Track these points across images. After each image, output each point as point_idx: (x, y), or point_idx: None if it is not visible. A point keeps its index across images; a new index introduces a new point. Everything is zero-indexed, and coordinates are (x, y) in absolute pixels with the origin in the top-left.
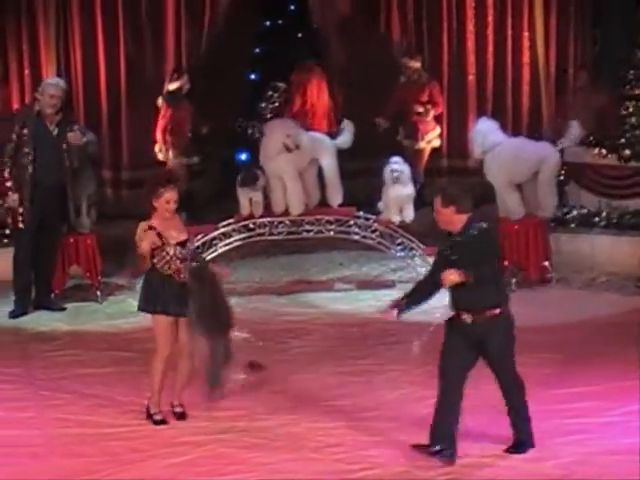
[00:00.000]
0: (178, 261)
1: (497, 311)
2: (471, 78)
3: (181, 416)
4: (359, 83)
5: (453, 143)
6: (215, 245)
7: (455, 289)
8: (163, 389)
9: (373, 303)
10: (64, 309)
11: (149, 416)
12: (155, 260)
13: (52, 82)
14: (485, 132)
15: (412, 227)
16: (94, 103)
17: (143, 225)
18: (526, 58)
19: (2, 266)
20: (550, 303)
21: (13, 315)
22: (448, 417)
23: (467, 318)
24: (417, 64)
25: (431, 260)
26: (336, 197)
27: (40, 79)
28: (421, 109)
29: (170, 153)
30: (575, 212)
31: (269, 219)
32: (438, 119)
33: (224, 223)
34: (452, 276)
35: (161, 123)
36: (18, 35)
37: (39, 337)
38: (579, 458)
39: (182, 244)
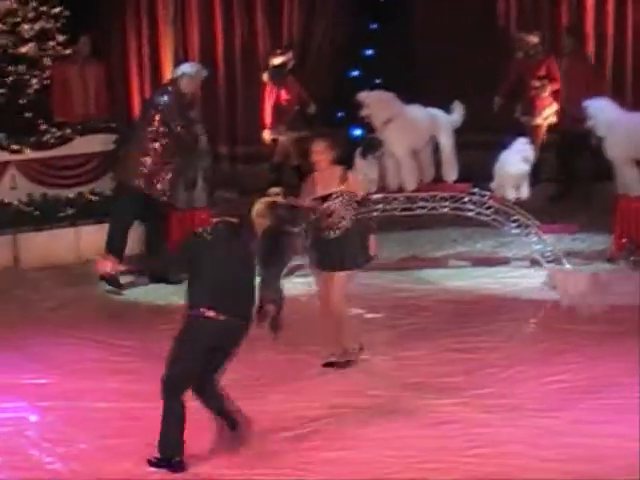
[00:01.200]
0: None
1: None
2: (590, 53)
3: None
4: (474, 57)
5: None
6: None
7: None
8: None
9: (487, 280)
10: (180, 282)
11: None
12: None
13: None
14: (602, 109)
15: (527, 204)
16: (211, 80)
17: None
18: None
19: None
20: None
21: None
22: None
23: None
24: (535, 39)
25: (548, 238)
26: (451, 173)
27: (159, 58)
28: (538, 84)
29: (279, 129)
30: None
31: (384, 195)
32: (555, 95)
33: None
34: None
35: (267, 100)
36: (137, 14)
37: (154, 311)
38: None
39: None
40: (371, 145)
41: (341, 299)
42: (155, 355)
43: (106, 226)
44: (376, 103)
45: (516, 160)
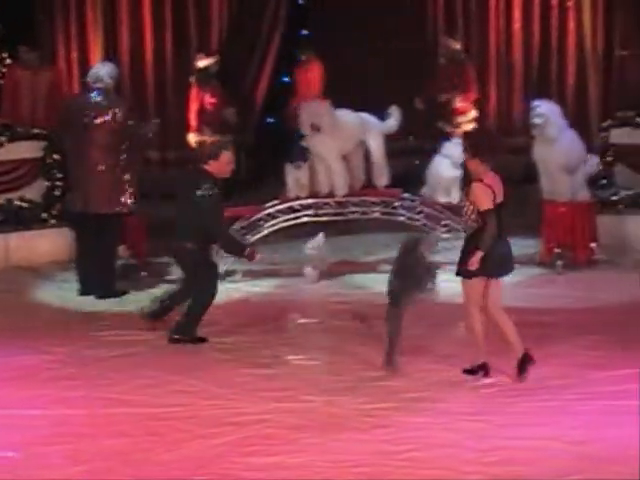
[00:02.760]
0: None
1: None
2: (517, 59)
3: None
4: (400, 66)
5: (501, 123)
6: (260, 226)
7: None
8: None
9: None
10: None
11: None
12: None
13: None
14: (554, 112)
15: (457, 208)
16: (141, 84)
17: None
18: (572, 38)
19: None
20: (597, 285)
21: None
22: None
23: None
24: (457, 45)
25: None
26: (382, 178)
27: (87, 63)
28: (450, 93)
29: (204, 133)
30: (623, 194)
31: (314, 200)
32: (473, 102)
33: (269, 204)
34: None
35: (192, 103)
36: (66, 19)
37: (86, 318)
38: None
39: None
40: (299, 152)
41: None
42: (88, 362)
43: (35, 233)
44: (305, 108)
45: (446, 164)
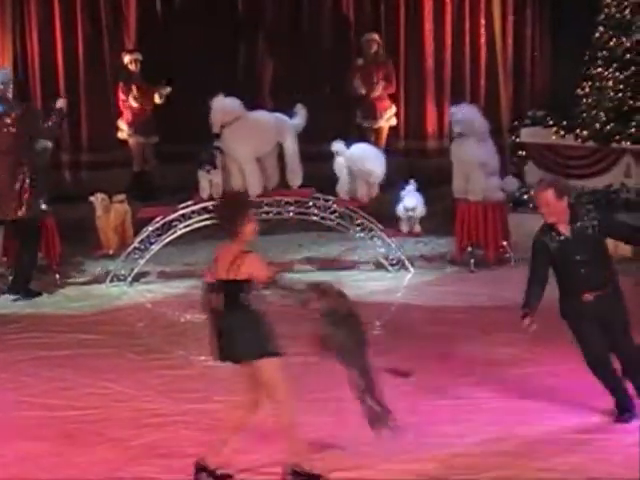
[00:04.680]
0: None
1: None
2: (429, 60)
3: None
4: (314, 63)
5: (411, 125)
6: (174, 227)
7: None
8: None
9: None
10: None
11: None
12: (250, 294)
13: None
14: (473, 117)
15: (370, 208)
16: (52, 86)
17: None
18: (483, 40)
19: None
20: (508, 283)
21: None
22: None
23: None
24: (378, 38)
25: (389, 241)
26: (296, 178)
27: None
28: (372, 85)
29: (128, 131)
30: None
31: None
32: (393, 98)
33: (183, 205)
34: None
35: (120, 101)
36: None
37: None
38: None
39: None
40: (206, 159)
41: None
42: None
43: None
44: (218, 108)
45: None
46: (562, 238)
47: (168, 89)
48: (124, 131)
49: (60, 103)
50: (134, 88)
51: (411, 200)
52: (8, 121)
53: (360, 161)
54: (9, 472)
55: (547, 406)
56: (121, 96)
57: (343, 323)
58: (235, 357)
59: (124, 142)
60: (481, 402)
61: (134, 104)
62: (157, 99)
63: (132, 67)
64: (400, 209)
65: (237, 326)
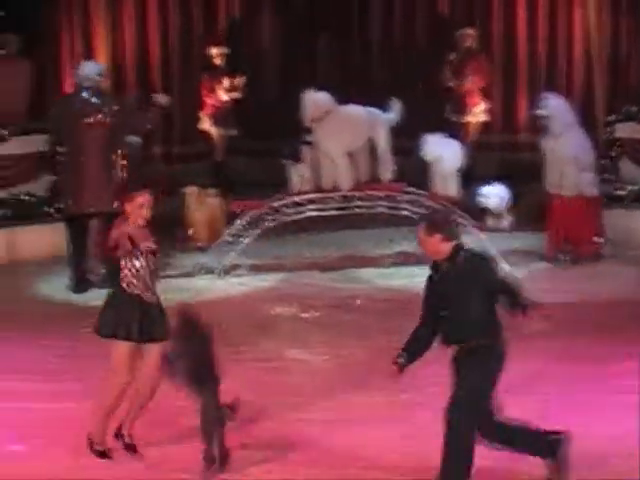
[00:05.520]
0: (147, 276)
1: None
2: (522, 53)
3: (129, 447)
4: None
5: (503, 118)
6: (265, 220)
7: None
8: (112, 419)
9: (423, 279)
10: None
11: (92, 447)
12: (121, 274)
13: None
14: (559, 109)
15: (463, 203)
16: (145, 79)
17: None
18: (577, 33)
19: None
20: (601, 279)
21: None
22: None
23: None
24: (473, 33)
25: (482, 236)
26: (387, 172)
27: (92, 56)
28: (462, 79)
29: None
30: (629, 188)
31: (318, 195)
32: (485, 92)
33: (274, 198)
34: None
35: (204, 93)
36: (70, 11)
37: (85, 312)
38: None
39: (154, 254)
40: (294, 153)
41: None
42: (84, 356)
43: (39, 227)
44: (309, 103)
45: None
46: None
47: (240, 80)
48: (205, 123)
49: (161, 99)
50: (221, 81)
51: (491, 194)
52: (103, 115)
53: (435, 154)
54: None
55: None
56: (205, 89)
57: (193, 349)
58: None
59: (206, 133)
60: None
61: (223, 97)
62: (233, 93)
63: (218, 60)
64: (482, 203)
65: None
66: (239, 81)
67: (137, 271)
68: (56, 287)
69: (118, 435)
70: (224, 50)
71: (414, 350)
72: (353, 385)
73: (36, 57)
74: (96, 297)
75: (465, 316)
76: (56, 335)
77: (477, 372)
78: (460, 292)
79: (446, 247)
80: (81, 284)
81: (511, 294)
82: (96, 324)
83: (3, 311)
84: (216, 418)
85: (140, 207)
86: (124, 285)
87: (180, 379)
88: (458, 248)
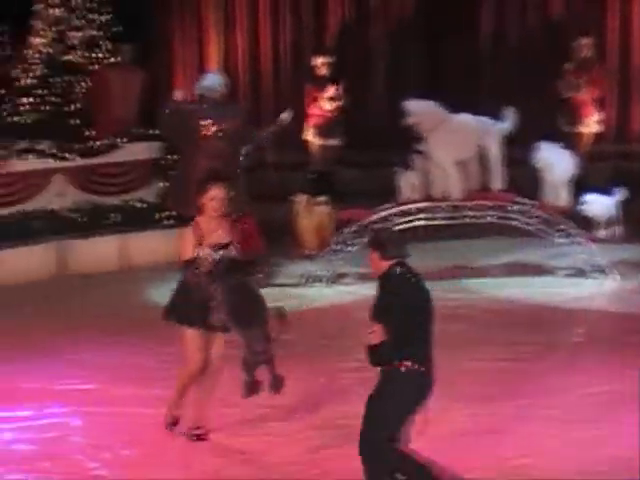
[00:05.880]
0: (213, 265)
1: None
2: (636, 62)
3: (200, 437)
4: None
5: (617, 128)
6: (372, 230)
7: None
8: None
9: (532, 290)
10: None
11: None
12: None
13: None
14: None
15: (574, 213)
16: (257, 87)
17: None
18: None
19: None
20: None
21: None
22: None
23: None
24: (590, 43)
25: (592, 246)
26: (498, 182)
27: (204, 65)
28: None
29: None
30: None
31: (429, 204)
32: (599, 102)
33: (383, 207)
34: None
35: (307, 102)
36: (183, 20)
37: None
38: None
39: (223, 247)
40: (400, 159)
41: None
42: None
43: (150, 233)
44: (422, 112)
45: (557, 168)
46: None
47: (335, 90)
48: (309, 133)
49: (285, 115)
50: (325, 90)
51: (594, 203)
52: (221, 125)
53: (547, 163)
54: (207, 467)
55: None
56: (308, 98)
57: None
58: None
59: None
60: None
61: (326, 106)
62: (335, 102)
63: (321, 70)
64: (585, 211)
65: None
66: (341, 90)
67: (204, 260)
68: (167, 293)
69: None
70: (329, 59)
71: None
72: (452, 397)
73: (149, 66)
74: None
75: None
76: (165, 341)
77: (388, 398)
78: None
79: (384, 265)
80: None
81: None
82: (164, 309)
83: (113, 317)
84: (259, 352)
85: (212, 200)
86: (193, 273)
87: (226, 319)
88: (393, 267)
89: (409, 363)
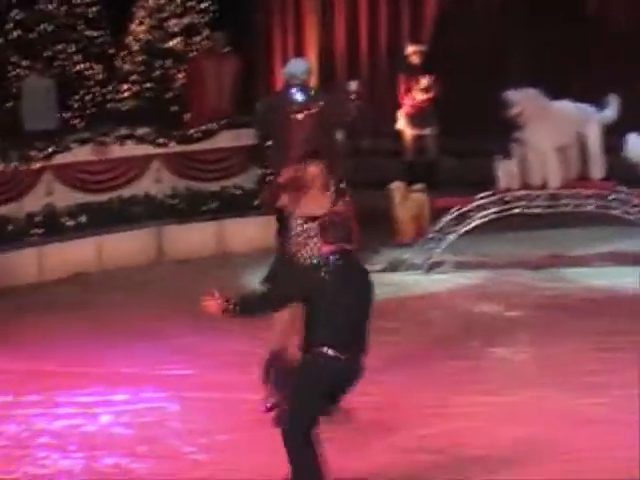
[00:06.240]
0: (302, 238)
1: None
2: None
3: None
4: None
5: None
6: (470, 217)
7: None
8: None
9: (632, 280)
10: None
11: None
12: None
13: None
14: None
15: None
16: (354, 74)
17: None
18: None
19: None
20: None
21: None
22: None
23: None
24: None
25: None
26: (597, 170)
27: (303, 52)
28: None
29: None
30: None
31: (526, 192)
32: None
33: (481, 195)
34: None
35: (400, 92)
36: (282, 6)
37: None
38: None
39: (312, 220)
40: (505, 147)
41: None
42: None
43: (248, 219)
44: (524, 100)
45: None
46: None
47: (428, 80)
48: (401, 121)
49: (352, 86)
50: (418, 80)
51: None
52: (308, 111)
53: (637, 155)
54: None
55: None
56: (401, 87)
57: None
58: None
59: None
60: None
61: (419, 97)
62: (428, 92)
63: (414, 59)
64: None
65: None
66: (434, 80)
67: (293, 233)
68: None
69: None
70: (421, 48)
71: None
72: (549, 384)
73: (246, 52)
74: None
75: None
76: (262, 325)
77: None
78: None
79: (326, 249)
80: None
81: None
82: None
83: None
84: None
85: (310, 175)
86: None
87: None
88: (330, 252)
89: (324, 349)
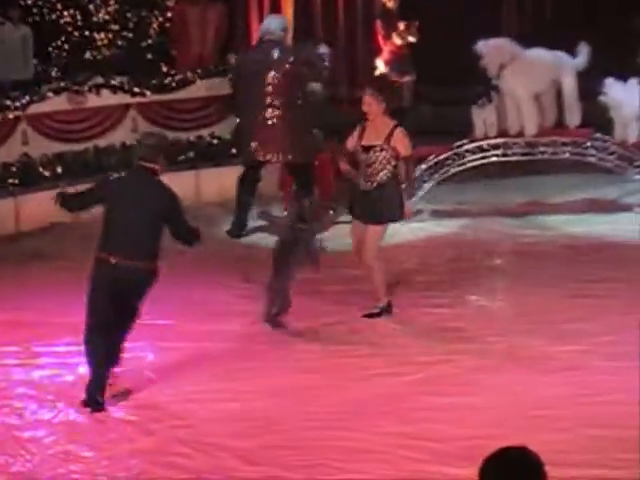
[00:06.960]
0: (365, 167)
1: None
2: None
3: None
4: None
5: None
6: (448, 165)
7: None
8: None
9: (608, 227)
10: None
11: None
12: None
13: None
14: None
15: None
16: (332, 22)
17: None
18: None
19: None
20: None
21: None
22: None
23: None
24: None
25: None
26: (574, 118)
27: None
28: None
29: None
30: None
31: (503, 140)
32: None
33: (458, 143)
34: None
35: (378, 39)
36: None
37: None
38: None
39: (368, 149)
40: (485, 92)
41: (374, 252)
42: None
43: (224, 169)
44: (491, 50)
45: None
46: None
47: (415, 25)
48: (380, 68)
49: (323, 49)
50: (396, 26)
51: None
52: (283, 67)
53: (616, 99)
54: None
55: None
56: (379, 34)
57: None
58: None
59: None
60: None
61: (398, 42)
62: (407, 38)
63: (390, 4)
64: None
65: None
66: (414, 26)
67: (359, 163)
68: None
69: None
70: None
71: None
72: (525, 331)
73: (228, 2)
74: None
75: None
76: (236, 276)
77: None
78: None
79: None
80: (237, 229)
81: None
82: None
83: (194, 254)
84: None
85: (364, 104)
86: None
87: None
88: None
89: (102, 253)
